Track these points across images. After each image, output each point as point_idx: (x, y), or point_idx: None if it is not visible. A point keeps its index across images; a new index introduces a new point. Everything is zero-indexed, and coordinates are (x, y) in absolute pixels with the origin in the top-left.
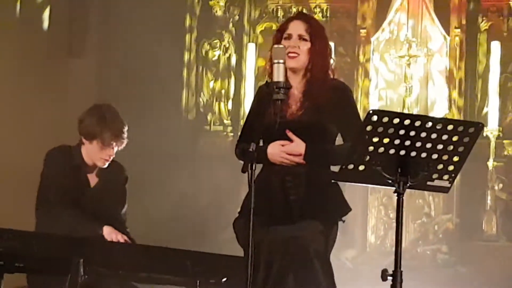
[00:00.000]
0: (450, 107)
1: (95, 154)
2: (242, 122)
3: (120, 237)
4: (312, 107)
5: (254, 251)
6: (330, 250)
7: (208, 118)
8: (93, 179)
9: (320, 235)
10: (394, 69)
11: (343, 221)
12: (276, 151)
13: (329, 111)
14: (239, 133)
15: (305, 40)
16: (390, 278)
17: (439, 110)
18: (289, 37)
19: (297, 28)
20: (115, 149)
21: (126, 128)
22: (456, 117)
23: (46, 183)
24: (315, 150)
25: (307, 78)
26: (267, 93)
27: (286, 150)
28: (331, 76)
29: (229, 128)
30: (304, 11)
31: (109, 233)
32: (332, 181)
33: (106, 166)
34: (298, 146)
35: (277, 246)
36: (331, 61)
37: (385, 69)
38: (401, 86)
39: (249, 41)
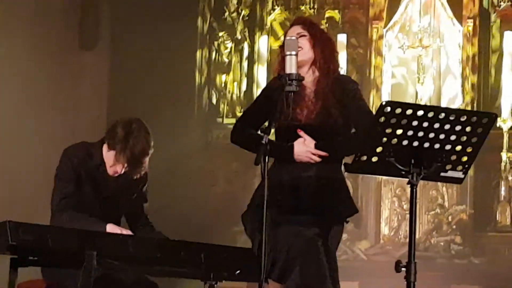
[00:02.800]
0: (463, 98)
1: (109, 160)
2: None
3: (125, 233)
4: (323, 106)
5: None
6: (336, 248)
7: (221, 110)
8: (113, 180)
9: (327, 232)
10: (407, 60)
11: (347, 222)
12: (303, 149)
13: (340, 107)
14: None
15: (303, 35)
16: (403, 269)
17: (452, 100)
18: None
19: (294, 30)
20: (129, 173)
21: (148, 156)
22: (469, 108)
23: (60, 182)
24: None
25: (316, 73)
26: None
27: (312, 150)
28: (337, 67)
29: None
30: (316, 3)
31: (112, 230)
32: (345, 173)
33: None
34: (311, 143)
35: (284, 240)
36: (337, 56)
37: (398, 60)
38: (414, 77)
39: (262, 33)
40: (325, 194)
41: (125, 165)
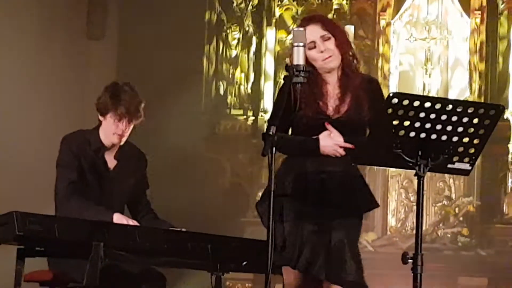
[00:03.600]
0: (470, 90)
1: (109, 129)
2: (262, 105)
3: (131, 223)
4: (355, 102)
5: (286, 235)
6: (357, 241)
7: (228, 101)
8: (112, 162)
9: (349, 225)
10: (414, 51)
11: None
12: (329, 143)
13: (364, 104)
14: (259, 116)
15: (328, 38)
16: (410, 261)
17: (460, 92)
18: (314, 45)
19: (315, 33)
20: (131, 126)
21: (142, 105)
22: (476, 99)
23: (63, 170)
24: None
25: (341, 72)
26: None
27: (340, 144)
28: (356, 62)
29: (249, 112)
30: None
31: (119, 220)
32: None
33: (122, 143)
34: (337, 137)
35: (309, 233)
36: (354, 51)
37: (405, 52)
38: (421, 68)
39: (270, 25)
40: (350, 189)
41: (127, 118)
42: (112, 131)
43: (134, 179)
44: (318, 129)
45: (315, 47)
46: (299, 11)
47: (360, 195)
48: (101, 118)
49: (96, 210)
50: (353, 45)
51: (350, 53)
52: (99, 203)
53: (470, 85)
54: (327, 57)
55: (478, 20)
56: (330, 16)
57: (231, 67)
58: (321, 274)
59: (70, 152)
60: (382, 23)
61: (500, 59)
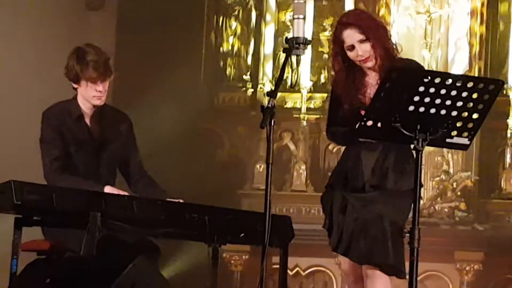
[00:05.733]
0: (470, 65)
1: (88, 94)
2: (261, 78)
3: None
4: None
5: (331, 216)
6: (404, 222)
7: (228, 73)
8: (95, 129)
9: (395, 207)
10: (415, 26)
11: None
12: None
13: None
14: (258, 89)
15: (364, 40)
16: (407, 235)
17: (459, 67)
18: (352, 47)
19: (353, 36)
20: (106, 84)
21: (109, 61)
22: (476, 75)
23: (45, 146)
24: None
25: (380, 61)
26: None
27: None
28: (397, 54)
29: (249, 84)
30: None
31: (111, 192)
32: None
33: (103, 103)
34: None
35: (351, 216)
36: (392, 39)
37: (405, 26)
38: (421, 43)
39: None
40: (390, 172)
41: (99, 77)
42: (91, 94)
43: (120, 143)
44: (357, 118)
45: (353, 49)
46: None
47: (406, 177)
48: (75, 85)
49: (86, 185)
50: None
51: (388, 45)
52: (87, 173)
53: (470, 60)
54: (364, 59)
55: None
56: None
57: (231, 39)
58: (357, 258)
59: (50, 128)
60: None
61: (500, 36)
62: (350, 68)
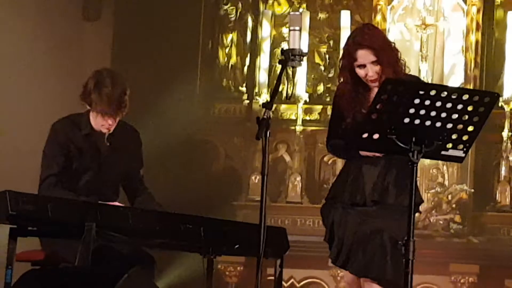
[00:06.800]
0: (465, 77)
1: (96, 121)
2: (257, 89)
3: None
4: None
5: (332, 229)
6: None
7: (224, 84)
8: (104, 145)
9: (395, 222)
10: (410, 37)
11: (420, 212)
12: None
13: None
14: (254, 100)
15: (375, 62)
16: (402, 247)
17: (455, 80)
18: (363, 66)
19: (366, 57)
20: (117, 118)
21: (126, 95)
22: (471, 87)
23: (45, 160)
24: None
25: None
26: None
27: None
28: (402, 70)
29: (244, 95)
30: None
31: None
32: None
33: (111, 131)
34: None
35: (350, 229)
36: (401, 61)
37: (401, 38)
38: (417, 55)
39: (265, 6)
40: (391, 187)
41: (111, 116)
42: (100, 123)
43: (127, 160)
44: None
45: (364, 68)
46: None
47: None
48: (88, 107)
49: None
50: (344, 31)
51: (397, 68)
52: (89, 191)
53: (465, 72)
54: (372, 79)
55: (474, 8)
56: (326, 1)
57: (227, 50)
58: (355, 271)
59: (55, 143)
60: (379, 8)
61: (496, 48)
62: (356, 83)
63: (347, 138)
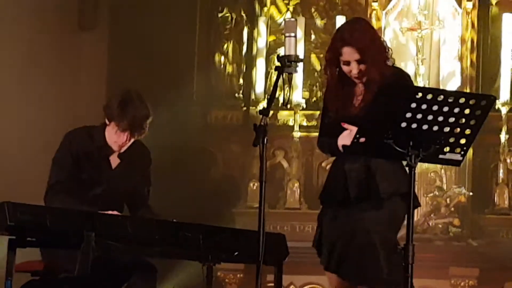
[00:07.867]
0: (462, 80)
1: (111, 137)
2: (253, 96)
3: None
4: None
5: (322, 234)
6: (396, 233)
7: (220, 91)
8: (114, 161)
9: (383, 220)
10: (406, 41)
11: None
12: (348, 141)
13: None
14: (250, 107)
15: (360, 61)
16: (402, 251)
17: (451, 83)
18: (348, 63)
19: (351, 55)
20: (132, 139)
21: (148, 120)
22: (468, 90)
23: (54, 167)
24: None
25: (368, 81)
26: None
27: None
28: (389, 64)
29: (241, 102)
30: None
31: None
32: None
33: (122, 151)
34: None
35: (340, 233)
36: (389, 62)
37: (397, 42)
38: (412, 59)
39: (261, 14)
40: (375, 183)
41: (129, 132)
42: (113, 139)
43: (135, 178)
44: (338, 129)
45: (349, 64)
46: (291, 1)
47: (389, 180)
48: (107, 121)
49: (80, 207)
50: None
51: (384, 69)
52: (94, 201)
53: (462, 75)
54: (356, 77)
55: (469, 11)
56: (321, 4)
57: (222, 57)
58: (348, 275)
59: (67, 151)
60: (374, 13)
61: (491, 51)
62: (341, 77)
63: (330, 133)
